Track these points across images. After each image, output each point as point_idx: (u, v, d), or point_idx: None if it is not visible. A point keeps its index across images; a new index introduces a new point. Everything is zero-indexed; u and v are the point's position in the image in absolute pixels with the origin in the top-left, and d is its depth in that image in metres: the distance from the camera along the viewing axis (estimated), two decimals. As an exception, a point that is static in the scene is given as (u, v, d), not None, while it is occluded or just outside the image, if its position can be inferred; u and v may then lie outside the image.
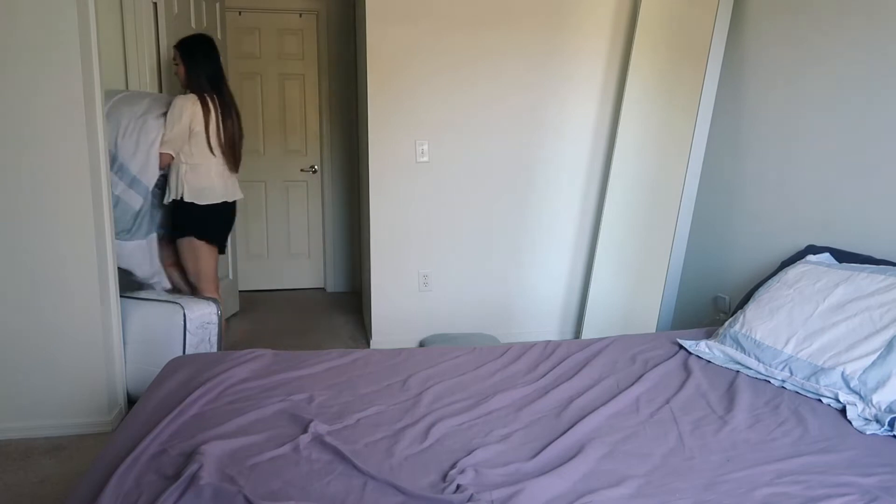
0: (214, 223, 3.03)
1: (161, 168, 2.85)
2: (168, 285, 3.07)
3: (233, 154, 3.03)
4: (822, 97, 2.43)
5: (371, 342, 3.50)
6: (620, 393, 1.70)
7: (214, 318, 2.80)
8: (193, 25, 3.60)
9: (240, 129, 3.06)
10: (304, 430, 1.44)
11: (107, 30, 3.04)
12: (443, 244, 3.44)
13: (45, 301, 2.42)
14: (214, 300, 2.88)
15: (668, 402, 1.66)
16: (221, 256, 4.02)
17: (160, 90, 3.35)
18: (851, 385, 1.64)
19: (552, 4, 3.30)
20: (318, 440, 1.40)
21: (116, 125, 2.75)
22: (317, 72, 4.69)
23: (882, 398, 1.57)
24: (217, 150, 2.93)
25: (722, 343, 2.04)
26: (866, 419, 1.55)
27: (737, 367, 1.91)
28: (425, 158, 3.32)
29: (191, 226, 2.97)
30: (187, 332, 2.71)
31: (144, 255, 2.89)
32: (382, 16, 3.18)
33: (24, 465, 2.27)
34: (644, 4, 3.15)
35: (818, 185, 2.46)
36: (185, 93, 2.91)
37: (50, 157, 2.35)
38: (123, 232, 2.80)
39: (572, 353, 2.03)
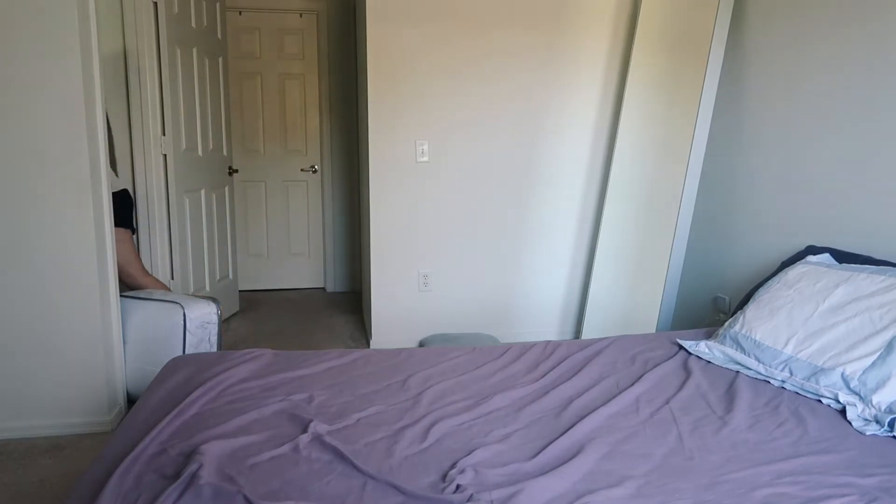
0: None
1: None
2: None
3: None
4: (822, 97, 2.43)
5: (371, 342, 3.50)
6: (620, 393, 1.70)
7: (214, 318, 2.80)
8: (193, 25, 3.60)
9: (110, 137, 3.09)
10: (304, 430, 1.44)
11: (107, 30, 3.04)
12: (443, 244, 3.44)
13: (44, 301, 2.42)
14: (214, 300, 2.88)
15: (667, 402, 1.66)
16: (221, 255, 4.02)
17: (160, 90, 3.35)
18: (851, 385, 1.64)
19: (552, 4, 3.30)
20: (318, 440, 1.40)
21: None
22: (317, 72, 4.69)
23: (882, 399, 1.57)
24: None
25: (722, 343, 2.04)
26: (866, 420, 1.55)
27: (737, 367, 1.91)
28: (425, 158, 3.32)
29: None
30: (187, 332, 2.71)
31: None
32: (383, 15, 3.18)
33: (24, 465, 2.27)
34: (644, 5, 3.15)
35: (818, 186, 2.46)
36: None
37: (50, 157, 2.35)
38: None
39: (572, 353, 2.03)
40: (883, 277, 1.86)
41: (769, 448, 1.41)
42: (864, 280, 1.88)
